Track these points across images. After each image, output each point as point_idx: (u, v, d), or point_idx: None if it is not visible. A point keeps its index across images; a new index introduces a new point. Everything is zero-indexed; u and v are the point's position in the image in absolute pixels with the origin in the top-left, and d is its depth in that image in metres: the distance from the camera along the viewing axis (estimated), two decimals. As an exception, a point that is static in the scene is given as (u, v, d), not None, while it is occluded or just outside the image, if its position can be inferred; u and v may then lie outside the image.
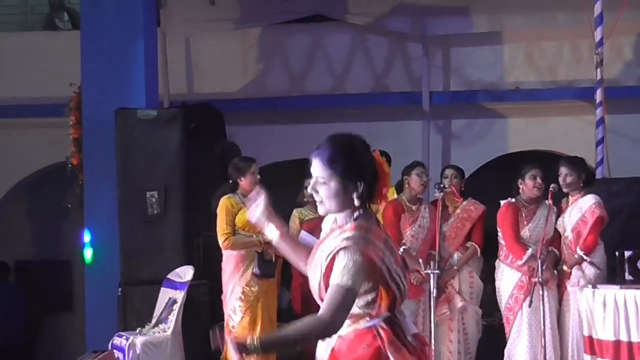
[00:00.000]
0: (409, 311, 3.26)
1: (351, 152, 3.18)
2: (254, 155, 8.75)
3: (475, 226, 7.59)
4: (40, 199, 12.82)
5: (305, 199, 8.11)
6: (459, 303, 7.39)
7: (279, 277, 7.60)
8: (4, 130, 11.85)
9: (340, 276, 3.00)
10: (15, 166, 12.05)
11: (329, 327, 3.05)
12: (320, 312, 3.03)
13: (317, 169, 3.19)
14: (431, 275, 7.10)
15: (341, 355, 3.16)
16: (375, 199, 3.23)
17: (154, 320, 7.66)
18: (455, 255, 7.52)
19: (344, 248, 3.04)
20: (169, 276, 7.85)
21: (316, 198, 3.25)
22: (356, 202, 3.15)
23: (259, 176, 7.33)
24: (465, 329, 7.48)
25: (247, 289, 7.14)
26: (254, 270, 7.12)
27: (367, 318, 3.14)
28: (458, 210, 7.61)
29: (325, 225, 3.39)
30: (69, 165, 9.78)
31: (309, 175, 7.94)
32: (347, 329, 3.13)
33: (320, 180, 3.19)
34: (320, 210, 3.28)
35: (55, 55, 11.27)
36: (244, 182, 7.27)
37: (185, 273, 7.69)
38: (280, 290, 9.91)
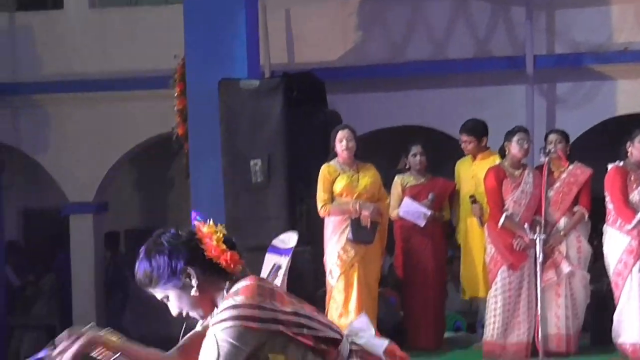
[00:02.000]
0: (363, 327, 2.90)
1: (151, 255, 2.74)
2: (355, 123, 8.77)
3: (582, 190, 7.47)
4: (147, 169, 13.13)
5: (406, 166, 8.09)
6: (566, 268, 7.32)
7: (382, 244, 7.60)
8: (112, 103, 12.15)
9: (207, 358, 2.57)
10: (123, 137, 12.34)
11: None
12: None
13: (157, 295, 2.80)
14: (537, 240, 7.07)
15: None
16: (224, 266, 2.72)
17: (259, 285, 7.77)
18: (562, 221, 7.42)
19: (211, 329, 2.59)
20: (273, 243, 7.91)
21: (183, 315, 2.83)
22: (194, 292, 2.70)
23: (351, 143, 7.33)
24: (573, 295, 7.41)
25: (343, 253, 7.23)
26: (348, 236, 7.19)
27: None
28: (564, 175, 7.50)
29: None
30: (175, 136, 9.96)
31: (412, 142, 8.00)
32: None
33: (163, 300, 2.80)
34: (199, 320, 2.85)
35: (159, 28, 11.46)
36: (341, 149, 7.34)
37: (290, 239, 7.74)
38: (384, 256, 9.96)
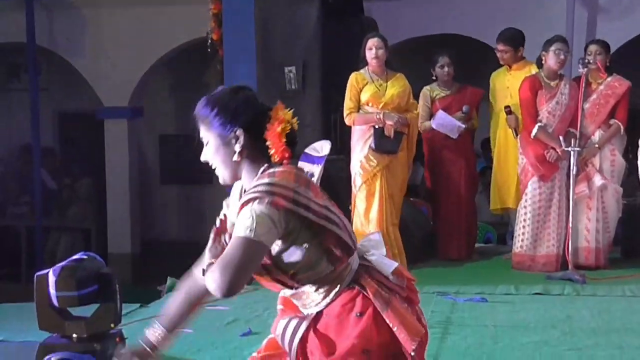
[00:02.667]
0: (374, 246, 2.90)
1: (219, 101, 2.77)
2: (392, 31, 8.71)
3: (620, 103, 7.41)
4: (182, 74, 13.15)
5: (434, 77, 8.01)
6: (598, 181, 7.32)
7: (408, 155, 7.58)
8: (148, 6, 12.14)
9: (242, 229, 2.54)
10: (158, 42, 12.36)
11: (226, 287, 2.49)
12: (214, 268, 2.54)
13: (201, 132, 2.83)
14: (571, 152, 7.06)
15: (329, 330, 2.73)
16: (272, 154, 2.74)
17: (292, 193, 7.84)
18: (597, 133, 7.39)
19: (245, 203, 2.59)
20: (306, 150, 7.95)
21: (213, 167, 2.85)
22: (236, 156, 2.73)
23: (380, 52, 7.26)
24: (604, 208, 7.42)
25: (365, 162, 7.25)
26: (371, 145, 7.20)
27: (341, 278, 2.73)
28: (601, 87, 7.44)
29: (233, 199, 2.94)
30: (209, 41, 9.94)
31: (439, 53, 7.91)
32: (326, 301, 2.74)
33: (204, 142, 2.83)
34: (220, 180, 2.85)
35: None
36: (372, 58, 7.28)
37: (323, 147, 7.77)
38: (416, 167, 10.00)
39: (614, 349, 5.06)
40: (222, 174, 2.81)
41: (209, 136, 2.78)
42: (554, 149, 7.23)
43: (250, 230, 2.52)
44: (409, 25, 10.95)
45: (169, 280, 6.95)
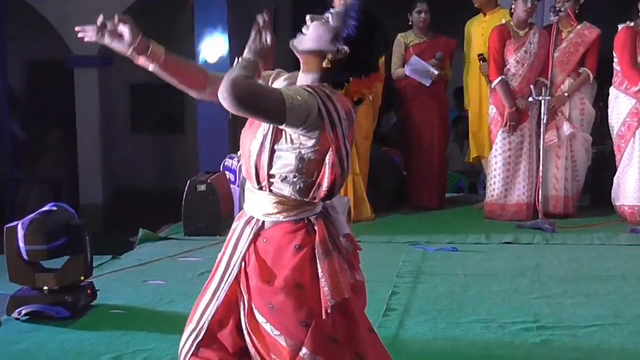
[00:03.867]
0: (340, 209, 2.89)
1: (359, 17, 2.73)
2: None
3: (589, 51, 7.42)
4: (152, 22, 12.99)
5: (410, 23, 7.99)
6: (567, 130, 7.34)
7: (373, 102, 7.53)
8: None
9: (287, 91, 2.59)
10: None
11: (234, 96, 2.46)
12: (242, 76, 2.55)
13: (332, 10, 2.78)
14: (542, 101, 7.08)
15: (267, 256, 2.71)
16: (352, 88, 2.77)
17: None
18: (566, 82, 7.40)
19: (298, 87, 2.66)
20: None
21: (303, 31, 2.77)
22: (325, 62, 2.70)
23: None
24: (573, 156, 7.46)
25: None
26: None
27: (301, 209, 2.72)
28: (571, 35, 7.43)
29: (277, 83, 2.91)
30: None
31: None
32: (274, 218, 2.72)
33: (319, 17, 2.77)
34: (296, 43, 2.78)
35: None
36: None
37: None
38: (388, 115, 9.99)
39: (582, 296, 5.12)
40: (301, 46, 2.76)
41: (319, 31, 2.73)
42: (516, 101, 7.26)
43: (290, 98, 2.53)
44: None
45: (141, 232, 6.94)
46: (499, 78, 7.27)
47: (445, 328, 4.56)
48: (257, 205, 2.75)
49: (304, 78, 2.75)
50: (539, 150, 7.21)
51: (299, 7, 8.35)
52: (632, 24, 7.17)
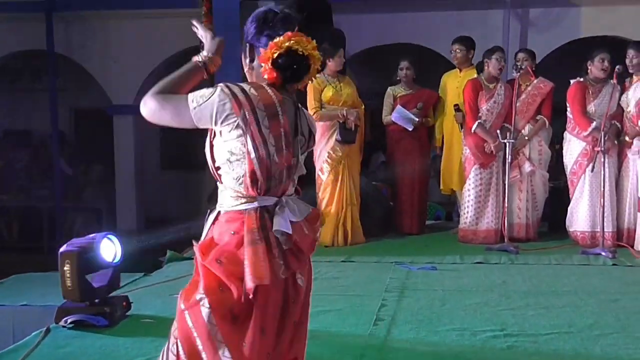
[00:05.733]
0: (299, 212, 2.56)
1: (251, 19, 2.69)
2: (356, 39, 8.67)
3: (545, 101, 7.47)
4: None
5: (397, 78, 8.05)
6: (528, 168, 7.37)
7: (360, 143, 7.59)
8: (150, 19, 12.06)
9: (195, 94, 2.52)
10: (159, 49, 12.27)
11: (145, 100, 2.55)
12: (157, 86, 2.57)
13: None
14: (506, 144, 7.11)
15: (214, 239, 2.54)
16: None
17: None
18: (527, 127, 7.43)
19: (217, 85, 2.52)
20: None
21: None
22: (246, 68, 2.65)
23: (343, 59, 7.35)
24: (533, 190, 7.48)
25: (332, 152, 7.31)
26: (336, 137, 7.25)
27: (242, 200, 2.51)
28: (530, 88, 7.48)
29: None
30: (202, 49, 9.89)
31: (401, 58, 7.93)
32: (222, 208, 2.57)
33: None
34: None
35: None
36: (331, 64, 7.32)
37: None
38: (377, 155, 10.01)
39: (542, 308, 5.10)
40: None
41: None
42: (489, 142, 7.27)
43: (193, 101, 2.47)
44: (371, 35, 10.95)
45: (169, 253, 6.94)
46: (477, 122, 7.28)
47: (425, 336, 4.53)
48: (219, 199, 2.59)
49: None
50: (505, 185, 7.23)
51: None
52: (582, 79, 7.22)
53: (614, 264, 6.49)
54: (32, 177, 13.67)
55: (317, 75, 7.45)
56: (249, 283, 2.41)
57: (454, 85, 7.97)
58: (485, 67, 7.44)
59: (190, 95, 2.49)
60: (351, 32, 9.19)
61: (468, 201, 7.41)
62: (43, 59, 12.88)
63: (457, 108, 7.66)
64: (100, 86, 12.76)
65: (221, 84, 2.49)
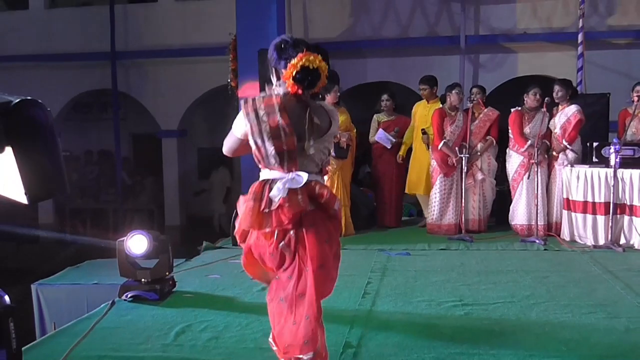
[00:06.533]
0: (282, 183, 2.64)
1: (271, 49, 2.82)
2: (347, 78, 8.67)
3: (493, 125, 7.44)
4: (212, 108, 13.12)
5: (381, 107, 8.04)
6: (479, 176, 7.35)
7: (352, 159, 7.55)
8: (189, 65, 12.14)
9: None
10: (195, 87, 12.37)
11: (224, 150, 2.86)
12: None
13: None
14: (463, 158, 7.10)
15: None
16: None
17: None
18: (479, 145, 7.41)
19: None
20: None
21: None
22: (274, 86, 2.80)
23: (338, 93, 7.32)
24: (484, 193, 7.45)
25: (328, 166, 7.23)
26: (332, 154, 7.21)
27: (261, 174, 2.73)
28: (481, 115, 7.47)
29: None
30: (229, 87, 9.92)
31: (382, 92, 7.87)
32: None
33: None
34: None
35: (220, 14, 11.32)
36: (328, 98, 7.29)
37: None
38: (364, 167, 9.98)
39: (491, 284, 5.09)
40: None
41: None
42: (451, 157, 7.25)
43: (232, 126, 2.75)
44: (359, 75, 10.99)
45: (205, 243, 6.92)
46: (443, 142, 7.27)
47: (402, 305, 4.53)
48: None
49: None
50: (462, 189, 7.21)
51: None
52: (519, 108, 7.21)
53: (545, 249, 6.48)
54: (100, 186, 13.70)
55: None
56: (240, 227, 2.70)
57: (422, 114, 7.92)
58: (447, 99, 7.42)
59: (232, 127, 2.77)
60: (344, 73, 9.23)
61: (434, 202, 7.38)
62: (108, 96, 12.97)
63: (424, 132, 7.63)
64: (152, 116, 12.80)
65: (244, 103, 2.68)
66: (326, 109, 2.82)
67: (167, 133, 12.73)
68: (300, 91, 2.65)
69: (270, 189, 2.62)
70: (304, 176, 2.65)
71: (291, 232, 2.66)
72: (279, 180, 2.63)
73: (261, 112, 2.60)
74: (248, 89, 9.01)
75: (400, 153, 7.94)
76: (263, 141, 2.60)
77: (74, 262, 6.08)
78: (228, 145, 2.79)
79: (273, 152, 2.60)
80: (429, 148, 7.60)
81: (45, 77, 12.56)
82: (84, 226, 12.83)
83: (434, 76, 8.06)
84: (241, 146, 2.73)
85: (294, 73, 2.64)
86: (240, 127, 2.68)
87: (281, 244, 2.67)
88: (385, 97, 7.99)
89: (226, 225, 12.10)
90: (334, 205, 2.72)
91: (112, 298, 4.61)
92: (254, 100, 2.65)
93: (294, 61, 2.64)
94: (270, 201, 2.60)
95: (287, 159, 2.63)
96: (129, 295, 4.59)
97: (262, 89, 8.76)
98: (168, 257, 4.73)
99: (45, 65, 12.52)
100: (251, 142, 2.62)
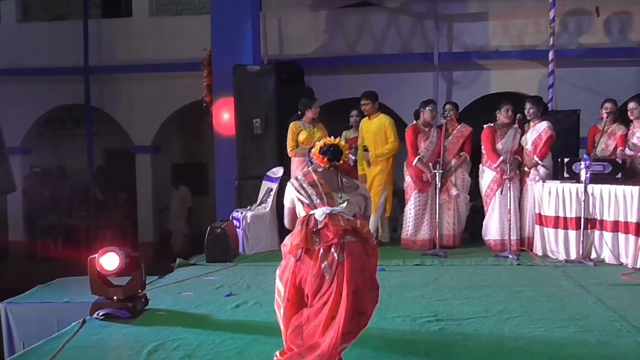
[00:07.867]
0: (325, 209, 3.31)
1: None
2: (322, 95, 8.69)
3: (466, 141, 7.50)
4: (186, 124, 13.06)
5: (350, 124, 8.07)
6: (454, 192, 7.38)
7: None
8: (163, 80, 12.08)
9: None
10: (170, 103, 12.33)
11: (286, 224, 3.55)
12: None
13: None
14: (437, 174, 7.13)
15: None
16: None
17: (258, 202, 7.80)
18: (453, 161, 7.47)
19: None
20: (267, 173, 7.96)
21: None
22: (308, 164, 3.70)
23: (318, 109, 7.39)
24: (458, 208, 7.48)
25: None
26: (308, 168, 7.20)
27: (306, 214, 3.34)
28: (454, 131, 7.53)
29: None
30: (204, 102, 9.90)
31: (352, 109, 7.91)
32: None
33: None
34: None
35: (194, 30, 11.32)
36: (309, 113, 7.35)
37: (278, 171, 7.79)
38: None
39: (465, 299, 5.11)
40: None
41: None
42: (425, 173, 7.28)
43: (284, 201, 3.50)
44: (333, 92, 11.04)
45: (178, 260, 6.84)
46: (417, 158, 7.29)
47: (377, 321, 4.49)
48: None
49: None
50: (437, 204, 7.23)
51: (281, 114, 8.33)
52: (492, 124, 7.28)
53: (518, 264, 6.53)
54: (73, 202, 13.52)
55: (296, 122, 7.66)
56: (295, 248, 3.20)
57: (365, 129, 7.71)
58: (421, 115, 7.44)
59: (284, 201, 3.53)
60: (319, 89, 9.26)
61: (409, 217, 7.39)
62: (82, 111, 12.84)
63: (365, 149, 7.60)
64: (125, 131, 12.69)
65: (289, 181, 3.48)
66: (354, 181, 3.51)
67: (140, 149, 12.62)
68: (326, 163, 3.44)
69: (315, 218, 3.21)
70: (342, 205, 3.26)
71: (335, 254, 3.11)
72: (321, 209, 3.24)
73: (306, 184, 3.38)
74: (222, 105, 9.00)
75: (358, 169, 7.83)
76: (311, 201, 3.31)
77: (44, 280, 5.97)
78: (287, 219, 3.50)
79: (314, 193, 3.32)
80: (369, 166, 7.56)
81: (17, 91, 12.42)
82: (55, 243, 12.63)
83: (374, 91, 7.87)
84: (294, 214, 3.44)
85: (319, 150, 3.50)
86: (288, 198, 3.46)
87: (324, 264, 3.11)
88: (354, 112, 8.01)
89: (188, 245, 12.03)
90: (371, 239, 3.27)
91: (83, 316, 4.53)
92: (297, 179, 3.44)
93: (319, 145, 3.54)
94: (316, 222, 3.19)
95: (327, 198, 3.30)
96: (100, 314, 4.52)
97: (237, 103, 8.75)
98: (141, 274, 4.67)
99: (17, 80, 12.37)
100: (297, 203, 3.39)
